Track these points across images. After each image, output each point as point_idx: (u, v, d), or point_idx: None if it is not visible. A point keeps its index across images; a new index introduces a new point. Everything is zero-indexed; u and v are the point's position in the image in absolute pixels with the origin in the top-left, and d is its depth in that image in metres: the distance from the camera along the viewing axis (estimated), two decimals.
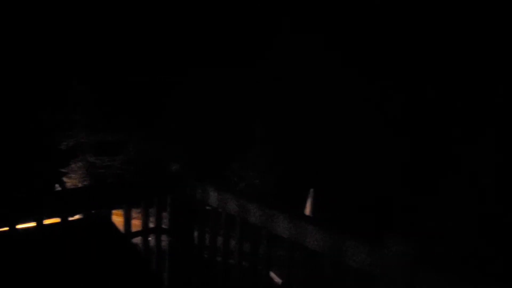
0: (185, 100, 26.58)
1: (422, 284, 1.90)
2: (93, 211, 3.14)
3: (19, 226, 2.74)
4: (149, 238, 3.57)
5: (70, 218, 3.00)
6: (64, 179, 23.91)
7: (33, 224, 2.81)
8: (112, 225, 2.52)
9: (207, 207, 3.40)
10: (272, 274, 3.61)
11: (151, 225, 3.53)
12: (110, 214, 3.39)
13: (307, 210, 15.82)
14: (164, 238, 3.59)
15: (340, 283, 2.34)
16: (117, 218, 3.37)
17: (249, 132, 22.83)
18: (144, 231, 3.52)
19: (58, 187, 22.37)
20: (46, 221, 2.84)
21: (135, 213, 3.94)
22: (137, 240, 3.49)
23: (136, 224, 3.50)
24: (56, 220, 2.91)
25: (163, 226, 3.60)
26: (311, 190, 16.45)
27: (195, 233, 3.52)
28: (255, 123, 23.28)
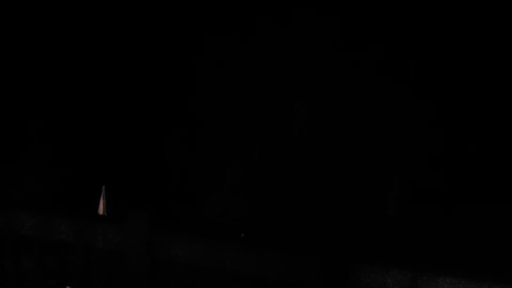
0: None
1: (158, 248, 2.06)
2: None
3: None
4: None
5: None
6: None
7: None
8: None
9: None
10: None
11: None
12: None
13: (100, 209, 15.25)
14: None
15: (98, 267, 2.25)
16: None
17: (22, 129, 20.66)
18: None
19: None
20: None
21: None
22: None
23: None
24: None
25: None
26: (103, 187, 15.90)
27: None
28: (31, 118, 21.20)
